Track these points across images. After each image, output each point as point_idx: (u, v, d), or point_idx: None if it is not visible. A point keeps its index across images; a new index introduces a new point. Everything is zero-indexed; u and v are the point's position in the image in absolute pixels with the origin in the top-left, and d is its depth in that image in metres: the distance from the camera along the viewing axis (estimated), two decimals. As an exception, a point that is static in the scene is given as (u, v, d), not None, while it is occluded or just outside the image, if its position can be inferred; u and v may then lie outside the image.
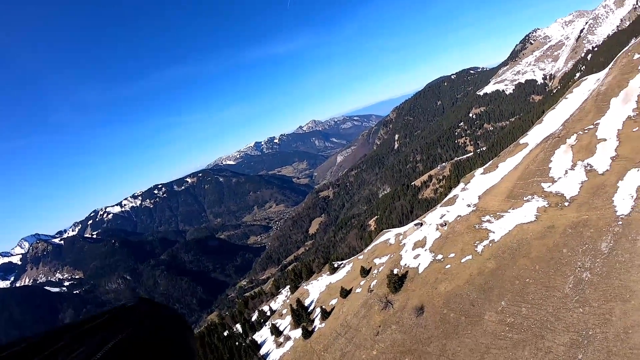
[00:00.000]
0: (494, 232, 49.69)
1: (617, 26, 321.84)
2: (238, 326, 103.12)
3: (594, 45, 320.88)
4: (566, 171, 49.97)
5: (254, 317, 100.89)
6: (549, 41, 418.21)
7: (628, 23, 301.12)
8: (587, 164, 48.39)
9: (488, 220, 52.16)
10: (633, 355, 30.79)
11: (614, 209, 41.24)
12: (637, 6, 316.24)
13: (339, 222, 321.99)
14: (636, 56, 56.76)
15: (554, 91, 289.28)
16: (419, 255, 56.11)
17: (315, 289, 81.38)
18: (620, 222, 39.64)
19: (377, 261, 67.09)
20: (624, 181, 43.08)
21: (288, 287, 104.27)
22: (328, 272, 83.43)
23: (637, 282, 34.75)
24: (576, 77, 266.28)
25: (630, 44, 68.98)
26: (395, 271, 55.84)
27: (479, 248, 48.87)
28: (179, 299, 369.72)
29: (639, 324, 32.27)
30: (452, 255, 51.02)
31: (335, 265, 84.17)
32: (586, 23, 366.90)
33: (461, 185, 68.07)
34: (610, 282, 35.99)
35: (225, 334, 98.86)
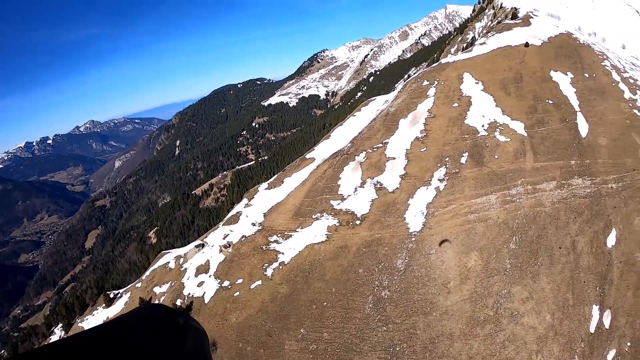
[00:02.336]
0: (283, 254, 46.00)
1: (399, 56, 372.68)
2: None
3: (376, 69, 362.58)
4: (356, 189, 49.41)
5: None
6: (335, 62, 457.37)
7: (409, 55, 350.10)
8: (377, 181, 48.56)
9: (276, 241, 48.24)
10: (442, 363, 31.25)
11: (407, 226, 41.65)
12: (418, 41, 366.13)
13: (117, 234, 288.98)
14: (425, 83, 60.44)
15: (336, 107, 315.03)
16: (203, 282, 49.16)
17: (91, 326, 68.83)
18: (414, 239, 40.19)
19: (157, 290, 57.78)
20: (414, 199, 44.01)
21: (61, 325, 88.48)
22: (104, 305, 71.43)
23: (436, 295, 35.57)
24: (357, 95, 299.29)
25: (419, 72, 74.24)
26: (178, 303, 48.14)
27: (269, 272, 44.68)
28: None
29: (443, 333, 33.34)
30: (240, 281, 45.70)
31: (112, 296, 72.67)
32: (371, 50, 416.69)
33: (244, 201, 63.06)
34: (410, 297, 36.20)
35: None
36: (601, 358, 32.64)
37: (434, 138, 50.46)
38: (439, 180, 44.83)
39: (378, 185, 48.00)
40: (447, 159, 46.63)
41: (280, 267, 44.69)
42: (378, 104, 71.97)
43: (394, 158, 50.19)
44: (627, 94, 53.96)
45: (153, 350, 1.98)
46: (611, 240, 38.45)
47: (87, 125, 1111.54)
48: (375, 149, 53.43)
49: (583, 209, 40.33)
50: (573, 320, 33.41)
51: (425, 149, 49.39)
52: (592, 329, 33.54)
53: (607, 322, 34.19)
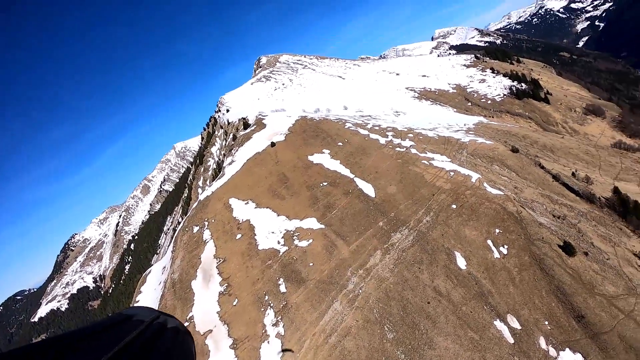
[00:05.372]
0: None
1: (149, 211, 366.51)
2: None
3: (133, 234, 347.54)
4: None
5: None
6: (90, 243, 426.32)
7: (158, 206, 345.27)
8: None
9: None
10: None
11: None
12: (161, 189, 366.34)
13: None
14: (196, 229, 53.43)
15: (110, 291, 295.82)
16: None
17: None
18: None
19: None
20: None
21: None
22: None
23: None
24: (126, 269, 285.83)
25: (182, 219, 67.78)
26: None
27: None
28: None
29: None
30: None
31: None
32: (120, 216, 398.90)
33: None
34: None
35: None
36: (539, 351, 31.36)
37: (239, 284, 42.73)
38: (273, 325, 36.94)
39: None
40: (267, 297, 39.56)
41: None
42: (157, 276, 61.18)
43: (211, 330, 40.17)
44: (382, 140, 56.34)
45: (137, 351, 1.91)
46: (462, 262, 37.52)
47: None
48: (182, 333, 43.31)
49: (420, 255, 38.63)
50: (492, 349, 31.39)
51: (237, 300, 41.04)
52: (511, 340, 31.99)
53: (516, 324, 33.14)
